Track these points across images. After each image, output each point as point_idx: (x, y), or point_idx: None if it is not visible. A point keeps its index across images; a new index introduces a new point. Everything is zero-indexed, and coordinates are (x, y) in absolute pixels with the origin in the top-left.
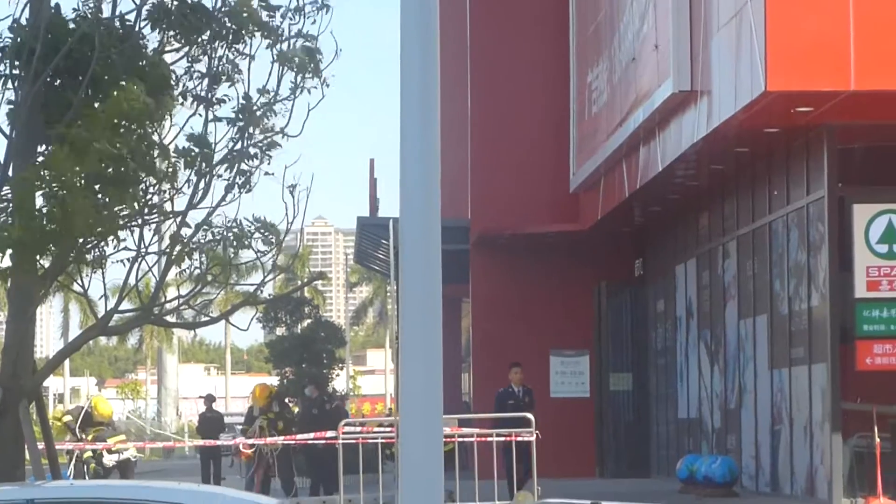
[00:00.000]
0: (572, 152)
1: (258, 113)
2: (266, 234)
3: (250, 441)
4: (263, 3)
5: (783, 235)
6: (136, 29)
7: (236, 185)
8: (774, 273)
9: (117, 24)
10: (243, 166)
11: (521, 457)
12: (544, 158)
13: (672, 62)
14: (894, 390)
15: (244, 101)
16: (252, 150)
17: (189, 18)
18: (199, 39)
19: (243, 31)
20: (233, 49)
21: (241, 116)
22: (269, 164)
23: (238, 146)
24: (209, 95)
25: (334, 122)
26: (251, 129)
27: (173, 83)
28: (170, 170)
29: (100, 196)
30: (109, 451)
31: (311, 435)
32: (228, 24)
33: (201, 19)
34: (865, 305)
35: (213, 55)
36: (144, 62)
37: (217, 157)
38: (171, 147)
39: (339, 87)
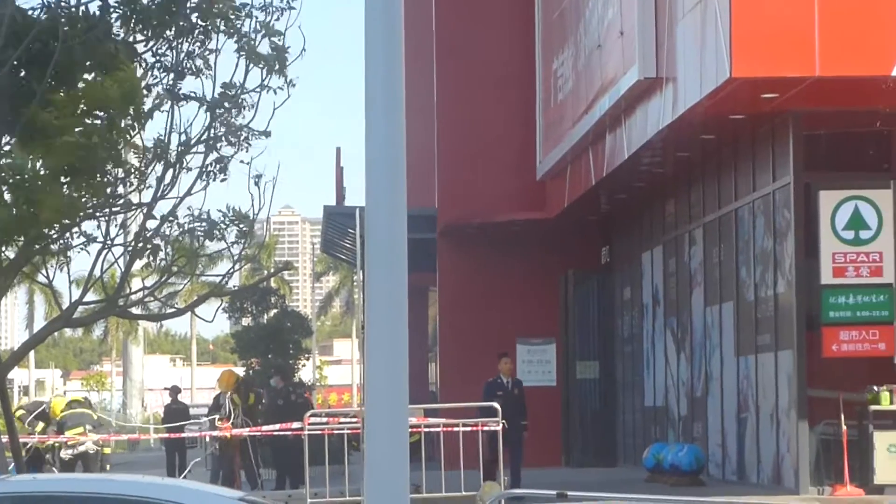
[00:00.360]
0: (539, 140)
1: (228, 105)
2: (240, 225)
3: (215, 433)
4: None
5: (749, 222)
6: (102, 19)
7: (212, 173)
8: (741, 260)
9: (83, 12)
10: (216, 153)
11: (513, 448)
12: (511, 146)
13: (637, 49)
14: (860, 377)
15: (221, 90)
16: (229, 138)
17: (154, 12)
18: (165, 34)
19: (210, 28)
20: (198, 44)
21: (213, 102)
22: (247, 151)
23: (212, 133)
24: (175, 89)
25: (302, 111)
26: (225, 116)
27: (140, 75)
28: (141, 164)
29: (66, 187)
30: (67, 446)
31: (277, 426)
32: (195, 21)
33: (166, 14)
34: (831, 292)
35: (180, 50)
36: (112, 52)
37: (190, 144)
38: (140, 139)
39: (307, 76)
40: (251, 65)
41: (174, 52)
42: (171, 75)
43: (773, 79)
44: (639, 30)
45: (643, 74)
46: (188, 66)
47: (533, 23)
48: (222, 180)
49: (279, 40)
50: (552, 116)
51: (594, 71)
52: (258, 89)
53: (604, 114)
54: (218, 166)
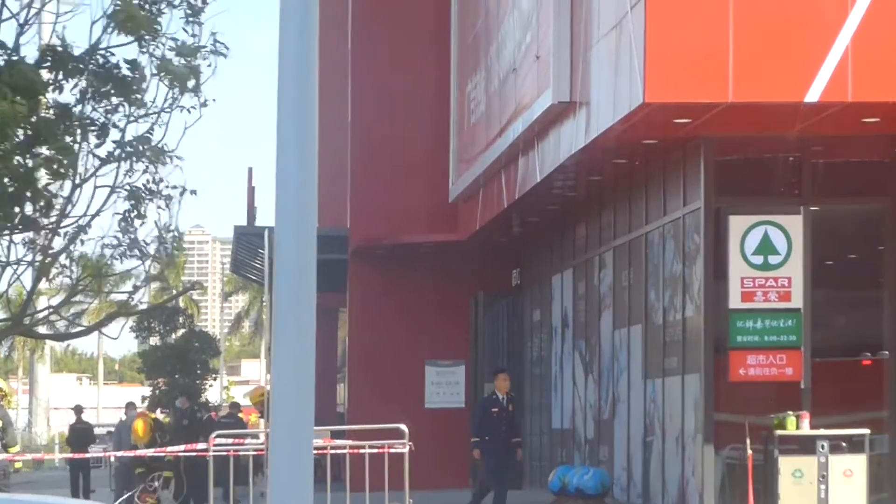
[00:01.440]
0: (452, 162)
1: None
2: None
3: (119, 454)
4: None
5: (659, 246)
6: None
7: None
8: (650, 283)
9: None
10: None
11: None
12: (424, 168)
13: (552, 72)
14: (767, 401)
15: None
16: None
17: (63, 60)
18: (74, 85)
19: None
20: (106, 99)
21: (123, 153)
22: (154, 181)
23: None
24: (86, 140)
25: (214, 129)
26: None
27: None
28: (47, 187)
29: None
30: None
31: (182, 447)
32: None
33: (76, 66)
34: (739, 316)
35: (86, 103)
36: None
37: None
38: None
39: (221, 95)
40: (164, 81)
41: (82, 103)
42: (81, 127)
43: (687, 104)
44: (553, 53)
45: (557, 98)
46: (97, 119)
47: (449, 45)
48: (140, 225)
49: (192, 60)
50: (465, 139)
51: (508, 94)
52: (169, 108)
53: (517, 137)
54: (134, 213)
